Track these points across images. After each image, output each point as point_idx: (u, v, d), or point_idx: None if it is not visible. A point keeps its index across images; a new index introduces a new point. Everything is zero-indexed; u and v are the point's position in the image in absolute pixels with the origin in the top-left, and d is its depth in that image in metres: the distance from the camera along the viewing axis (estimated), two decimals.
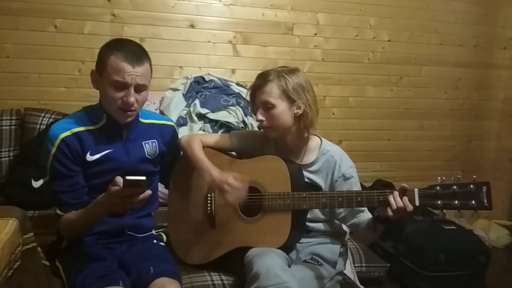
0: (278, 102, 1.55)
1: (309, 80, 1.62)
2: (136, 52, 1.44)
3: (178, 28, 2.83)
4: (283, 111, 1.56)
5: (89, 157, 1.48)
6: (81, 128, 1.48)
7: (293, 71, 1.60)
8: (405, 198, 1.37)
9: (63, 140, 1.44)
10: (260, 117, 1.59)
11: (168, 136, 1.70)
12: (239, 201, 1.55)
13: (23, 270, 1.22)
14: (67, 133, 1.45)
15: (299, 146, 1.66)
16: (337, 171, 1.61)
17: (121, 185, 1.24)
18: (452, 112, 3.50)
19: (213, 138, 1.76)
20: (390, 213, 1.38)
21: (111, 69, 1.39)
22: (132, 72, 1.40)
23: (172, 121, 1.81)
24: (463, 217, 1.58)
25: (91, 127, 1.50)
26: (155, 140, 1.64)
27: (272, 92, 1.55)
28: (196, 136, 1.75)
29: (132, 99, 1.42)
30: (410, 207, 1.36)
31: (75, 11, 2.64)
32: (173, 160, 1.76)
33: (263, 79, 1.58)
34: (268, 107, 1.56)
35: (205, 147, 1.70)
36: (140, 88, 1.44)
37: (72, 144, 1.45)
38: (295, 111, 1.57)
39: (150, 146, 1.62)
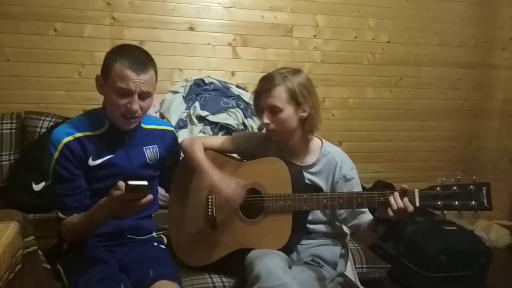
0: (286, 106, 1.55)
1: (311, 80, 1.63)
2: (141, 59, 1.43)
3: (178, 31, 2.83)
4: (290, 115, 1.56)
5: (91, 162, 1.49)
6: (83, 134, 1.48)
7: (297, 72, 1.60)
8: (406, 199, 1.37)
9: (66, 145, 1.44)
10: (266, 120, 1.58)
11: (168, 142, 1.70)
12: (235, 205, 1.56)
13: (24, 274, 1.23)
14: (70, 138, 1.45)
15: (301, 147, 1.66)
16: (338, 173, 1.62)
17: (123, 189, 1.24)
18: (452, 113, 3.50)
19: (215, 140, 1.77)
20: (390, 214, 1.38)
21: (116, 76, 1.40)
22: (137, 80, 1.40)
23: (172, 126, 1.82)
24: (463, 218, 1.58)
25: (93, 133, 1.51)
26: (156, 146, 1.64)
27: (281, 97, 1.54)
28: (197, 139, 1.76)
29: (135, 107, 1.42)
30: (410, 208, 1.36)
31: (75, 15, 2.64)
32: (173, 164, 1.77)
33: (270, 83, 1.56)
34: (275, 111, 1.56)
35: (207, 149, 1.71)
36: (144, 95, 1.44)
37: (75, 148, 1.46)
38: (301, 114, 1.58)
39: (151, 152, 1.62)
